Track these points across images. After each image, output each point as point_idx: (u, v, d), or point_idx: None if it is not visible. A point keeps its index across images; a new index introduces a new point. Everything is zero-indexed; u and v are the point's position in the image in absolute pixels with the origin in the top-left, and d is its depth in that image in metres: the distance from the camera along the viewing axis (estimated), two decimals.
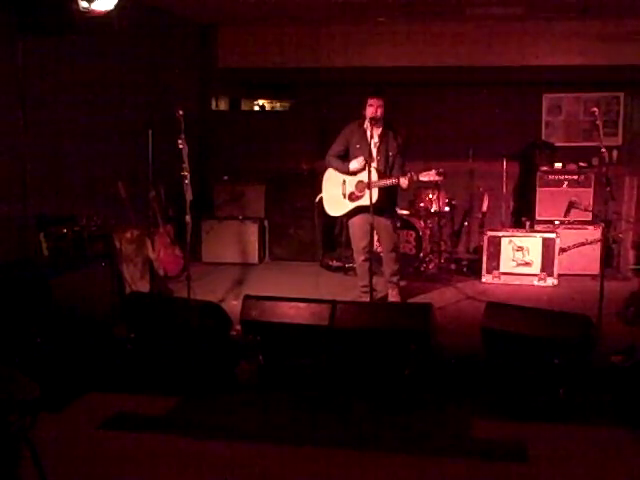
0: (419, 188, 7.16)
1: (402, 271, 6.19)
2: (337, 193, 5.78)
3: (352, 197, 5.72)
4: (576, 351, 4.19)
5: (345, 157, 5.77)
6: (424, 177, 5.55)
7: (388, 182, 5.51)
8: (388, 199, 5.67)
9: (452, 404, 4.25)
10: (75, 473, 3.42)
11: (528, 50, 7.86)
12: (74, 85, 5.88)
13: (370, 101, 5.55)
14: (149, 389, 4.47)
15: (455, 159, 7.93)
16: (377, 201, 5.33)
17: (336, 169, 5.80)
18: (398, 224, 6.40)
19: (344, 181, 5.75)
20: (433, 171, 5.52)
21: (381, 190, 5.49)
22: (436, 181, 5.73)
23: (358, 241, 5.81)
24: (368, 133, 5.45)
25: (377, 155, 5.61)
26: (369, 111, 5.54)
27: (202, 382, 4.51)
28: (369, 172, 5.27)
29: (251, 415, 4.18)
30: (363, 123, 5.63)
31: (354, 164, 5.64)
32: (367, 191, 5.33)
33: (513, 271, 6.85)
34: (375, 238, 5.91)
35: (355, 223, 5.80)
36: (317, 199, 6.05)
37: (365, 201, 5.52)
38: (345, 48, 8.18)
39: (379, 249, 6.31)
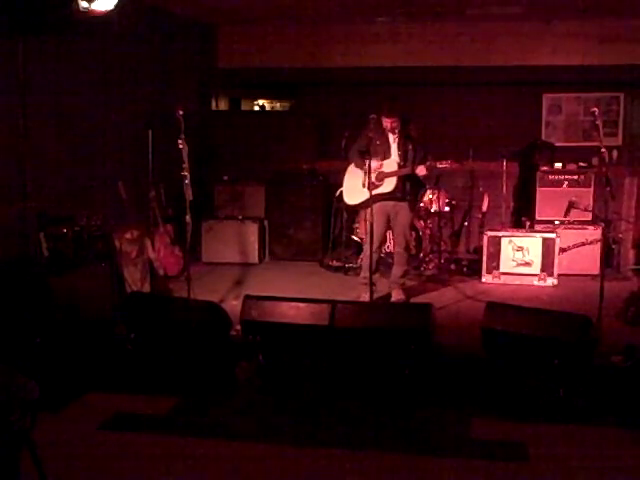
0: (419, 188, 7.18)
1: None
2: (357, 183, 5.83)
3: (370, 186, 5.73)
4: (576, 351, 4.20)
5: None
6: (441, 165, 5.89)
7: (403, 171, 5.76)
8: (406, 188, 5.87)
9: (452, 404, 4.25)
10: (75, 473, 3.42)
11: (528, 50, 7.86)
12: (74, 85, 5.88)
13: (384, 121, 5.75)
14: (149, 389, 4.47)
15: (455, 159, 7.92)
16: (395, 189, 5.72)
17: (357, 165, 5.93)
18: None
19: (365, 172, 5.72)
20: (449, 160, 5.90)
21: (399, 180, 5.76)
22: (451, 168, 6.16)
23: (375, 227, 5.60)
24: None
25: (398, 150, 5.85)
26: (384, 125, 5.78)
27: (202, 382, 4.51)
28: (369, 172, 5.35)
29: (251, 415, 4.18)
30: (381, 121, 5.79)
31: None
32: (385, 180, 5.74)
33: (513, 271, 6.84)
34: (389, 237, 6.24)
35: (376, 210, 5.68)
36: (337, 193, 6.30)
37: (383, 189, 5.80)
38: (345, 48, 8.17)
39: (390, 249, 6.38)
